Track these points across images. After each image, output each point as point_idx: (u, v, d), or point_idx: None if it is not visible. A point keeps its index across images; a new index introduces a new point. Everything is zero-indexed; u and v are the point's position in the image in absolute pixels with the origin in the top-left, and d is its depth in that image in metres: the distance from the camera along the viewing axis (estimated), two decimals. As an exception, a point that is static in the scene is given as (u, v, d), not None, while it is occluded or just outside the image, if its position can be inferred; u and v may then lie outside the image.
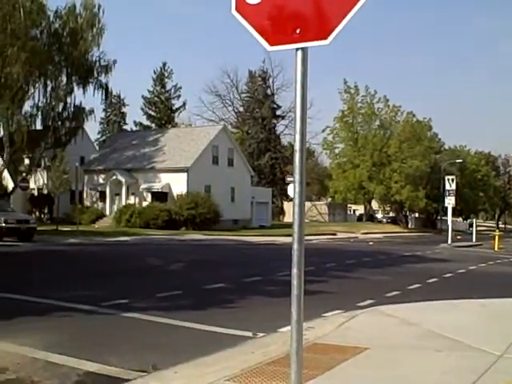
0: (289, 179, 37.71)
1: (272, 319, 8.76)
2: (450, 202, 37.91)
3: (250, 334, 7.82)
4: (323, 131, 74.20)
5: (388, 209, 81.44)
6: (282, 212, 72.86)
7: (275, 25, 4.06)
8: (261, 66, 77.55)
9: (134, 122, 77.81)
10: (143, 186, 46.95)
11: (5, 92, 44.73)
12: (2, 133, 47.97)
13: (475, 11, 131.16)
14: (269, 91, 77.67)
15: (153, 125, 75.08)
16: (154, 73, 76.74)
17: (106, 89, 52.75)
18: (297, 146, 3.99)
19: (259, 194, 56.42)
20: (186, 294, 11.68)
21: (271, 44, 4.07)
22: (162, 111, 76.32)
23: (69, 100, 51.23)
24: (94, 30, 49.33)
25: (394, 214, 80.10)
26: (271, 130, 75.77)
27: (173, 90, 77.52)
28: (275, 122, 77.66)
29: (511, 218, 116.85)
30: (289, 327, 4.15)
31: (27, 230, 28.09)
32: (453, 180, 38.71)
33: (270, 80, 78.27)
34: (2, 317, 8.85)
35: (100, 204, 49.06)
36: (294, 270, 3.99)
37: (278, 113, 78.14)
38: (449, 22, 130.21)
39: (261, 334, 7.77)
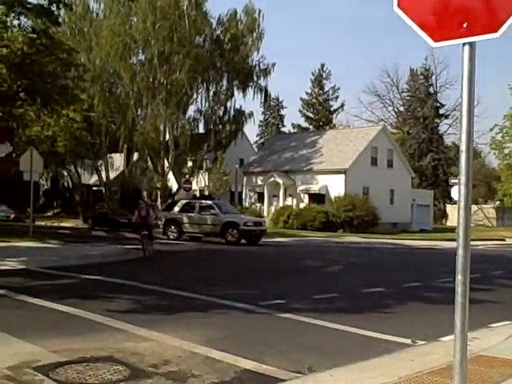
0: (453, 181, 36.14)
1: (432, 327, 8.38)
2: None
3: (408, 341, 7.52)
4: (491, 130, 69.52)
5: None
6: (444, 215, 70.02)
7: (440, 20, 3.91)
8: (423, 64, 75.24)
9: (292, 124, 79.05)
10: (300, 187, 47.31)
11: (171, 98, 47.51)
12: (167, 137, 50.91)
13: None
14: (431, 89, 75.00)
15: (311, 126, 75.63)
16: (312, 74, 77.39)
17: (265, 92, 54.00)
18: (463, 146, 3.81)
19: (420, 197, 54.63)
20: (342, 296, 11.56)
21: (435, 40, 3.93)
22: (320, 113, 76.62)
23: (229, 104, 53.16)
24: (254, 34, 50.76)
25: None
26: (434, 129, 73.07)
27: (331, 92, 77.61)
28: (438, 121, 74.81)
29: None
30: (451, 336, 3.93)
31: (260, 233, 28.25)
32: None
33: (433, 78, 75.59)
34: (166, 312, 9.34)
35: (258, 205, 50.22)
36: (459, 277, 3.81)
37: (442, 112, 75.15)
38: None
39: (420, 342, 7.44)
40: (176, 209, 29.31)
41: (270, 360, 6.38)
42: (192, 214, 28.46)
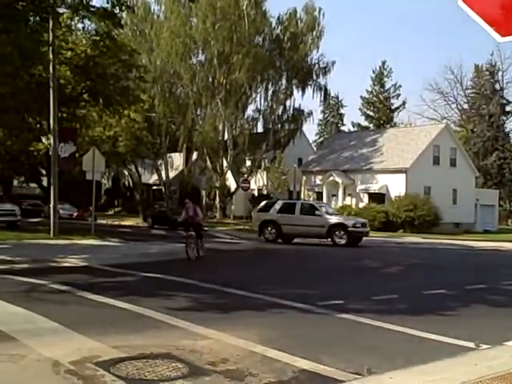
0: (519, 180, 35.13)
1: (497, 331, 8.13)
2: None
3: (471, 344, 7.27)
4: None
5: None
6: (510, 216, 67.98)
7: (507, 13, 3.79)
8: (488, 60, 73.21)
9: (352, 122, 78.44)
10: (360, 187, 46.83)
11: (230, 98, 47.89)
12: (226, 136, 51.30)
13: None
14: (497, 86, 72.85)
15: (371, 125, 74.79)
16: (373, 72, 76.48)
17: (324, 90, 53.80)
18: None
19: (484, 196, 53.12)
20: (402, 298, 11.32)
21: (503, 34, 3.81)
22: (381, 111, 75.62)
23: (288, 103, 53.23)
24: (314, 32, 50.66)
25: None
26: (499, 127, 70.91)
27: (392, 89, 76.54)
28: (504, 118, 72.57)
29: None
30: (517, 341, 3.77)
31: (366, 234, 27.72)
32: None
33: (499, 74, 73.43)
34: (224, 310, 9.38)
35: (317, 204, 49.94)
36: None
37: (508, 109, 72.91)
38: None
39: (484, 346, 7.20)
40: (273, 210, 28.45)
41: (327, 360, 6.29)
42: (292, 215, 27.54)
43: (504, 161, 68.78)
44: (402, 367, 5.93)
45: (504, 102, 72.15)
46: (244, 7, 47.58)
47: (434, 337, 7.69)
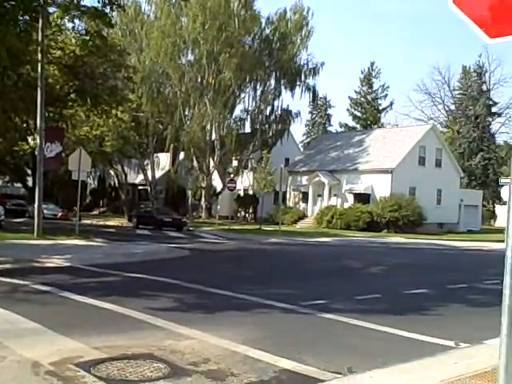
0: (503, 181, 35.45)
1: (477, 330, 8.22)
2: None
3: (451, 343, 7.36)
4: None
5: None
6: (493, 216, 68.48)
7: (496, 15, 3.85)
8: (476, 61, 73.46)
9: (339, 123, 78.52)
10: (345, 187, 46.99)
11: (218, 98, 47.81)
12: (214, 136, 51.24)
13: None
14: (484, 87, 73.04)
15: (358, 126, 74.97)
16: (362, 73, 76.66)
17: (313, 91, 53.90)
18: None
19: (468, 197, 53.52)
20: (385, 297, 11.41)
21: (491, 36, 3.88)
22: (368, 112, 75.80)
23: (276, 103, 53.30)
24: (303, 32, 50.73)
25: None
26: (485, 128, 71.15)
27: (380, 90, 76.64)
28: (490, 119, 72.86)
29: None
30: (497, 340, 3.84)
31: None
32: None
33: (487, 75, 73.59)
34: (207, 310, 9.35)
35: (302, 205, 50.08)
36: (507, 279, 3.74)
37: (494, 110, 73.18)
38: None
39: (464, 345, 7.28)
40: None
41: (309, 360, 6.33)
42: None
43: (488, 162, 69.21)
44: (382, 366, 5.96)
45: (490, 103, 72.48)
46: (234, 7, 47.60)
47: (414, 336, 7.77)
